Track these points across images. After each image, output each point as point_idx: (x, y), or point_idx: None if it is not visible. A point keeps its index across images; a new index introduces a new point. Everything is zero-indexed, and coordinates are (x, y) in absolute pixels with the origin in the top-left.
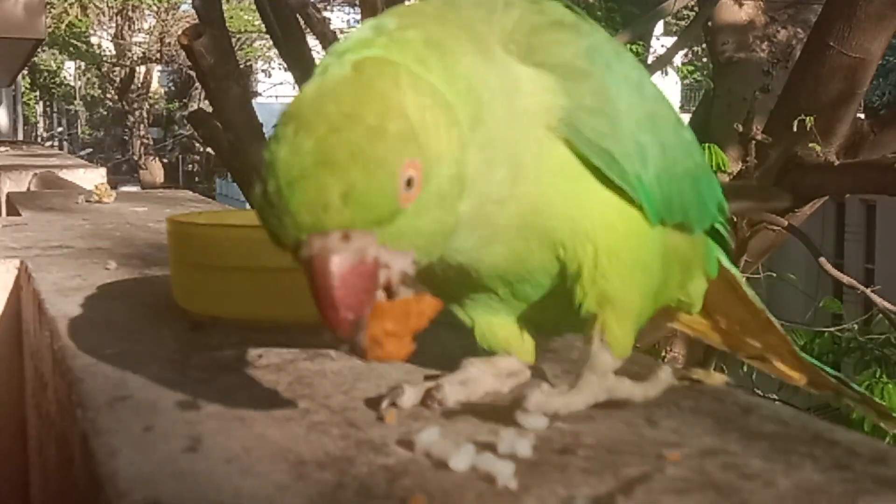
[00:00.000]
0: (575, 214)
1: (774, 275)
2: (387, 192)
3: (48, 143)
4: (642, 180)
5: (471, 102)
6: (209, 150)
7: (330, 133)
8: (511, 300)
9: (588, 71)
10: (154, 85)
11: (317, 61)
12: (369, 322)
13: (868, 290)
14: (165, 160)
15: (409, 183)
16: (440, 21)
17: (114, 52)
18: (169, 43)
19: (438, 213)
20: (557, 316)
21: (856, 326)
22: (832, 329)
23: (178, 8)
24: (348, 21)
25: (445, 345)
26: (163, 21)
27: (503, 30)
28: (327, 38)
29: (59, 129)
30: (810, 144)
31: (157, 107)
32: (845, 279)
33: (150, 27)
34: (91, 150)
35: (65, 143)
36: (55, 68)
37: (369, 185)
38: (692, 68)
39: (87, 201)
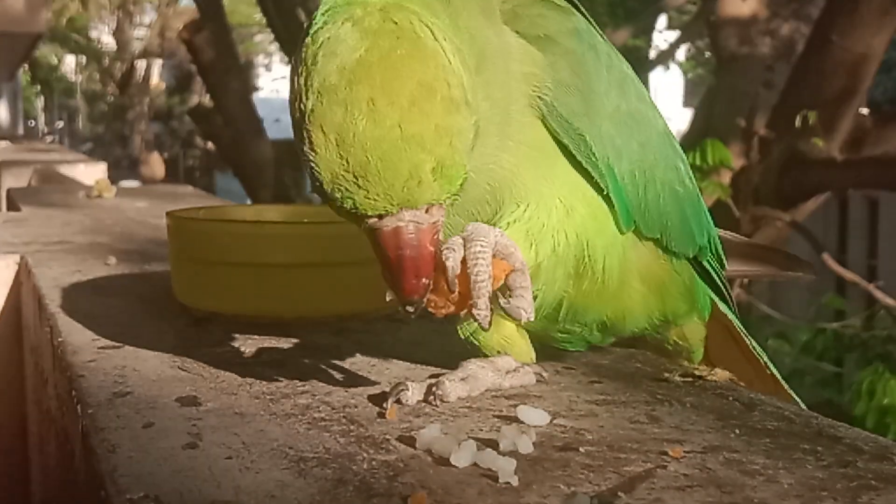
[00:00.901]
0: (544, 192)
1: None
2: (464, 164)
3: (49, 140)
4: (613, 171)
5: (473, 51)
6: (210, 145)
7: (411, 105)
8: None
9: (570, 48)
10: (154, 80)
11: None
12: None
13: (871, 286)
14: (166, 155)
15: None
16: None
17: (114, 47)
18: (170, 38)
19: (468, 160)
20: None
21: (859, 323)
22: (835, 325)
23: (179, 2)
24: None
25: (446, 342)
26: (163, 15)
27: None
28: None
29: (60, 123)
30: (813, 140)
31: (157, 102)
32: (848, 275)
33: (150, 22)
34: (91, 145)
35: (65, 138)
36: (55, 63)
37: (454, 158)
38: (694, 63)
39: (87, 197)
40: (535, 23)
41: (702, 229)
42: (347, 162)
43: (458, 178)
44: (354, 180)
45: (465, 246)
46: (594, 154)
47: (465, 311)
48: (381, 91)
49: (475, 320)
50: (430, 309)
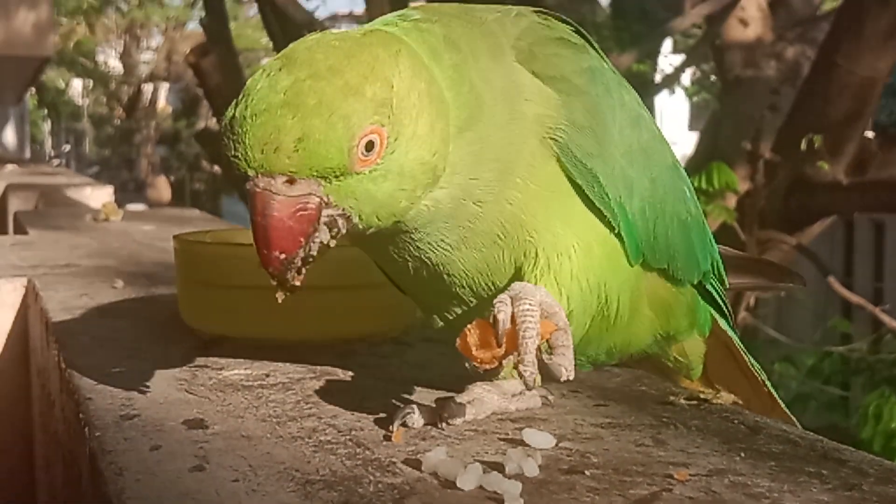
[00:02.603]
0: (559, 233)
1: (783, 293)
2: (340, 147)
3: (55, 163)
4: (625, 209)
5: (469, 104)
6: (216, 168)
7: (308, 78)
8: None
9: (584, 89)
10: (161, 103)
11: None
12: (478, 330)
13: (877, 310)
14: (172, 179)
15: (369, 147)
16: (460, 20)
17: (121, 71)
18: (176, 61)
19: (394, 188)
20: None
21: (865, 346)
22: (841, 349)
23: (186, 26)
24: None
25: (452, 365)
26: (170, 39)
27: (511, 35)
28: None
29: (67, 147)
30: (819, 163)
31: (164, 125)
32: (854, 298)
33: (157, 46)
34: (98, 168)
35: (72, 162)
36: (63, 87)
37: (324, 135)
38: (700, 87)
39: (94, 220)
40: (550, 63)
41: (706, 254)
42: (234, 115)
43: (326, 160)
44: (230, 133)
45: (512, 303)
46: (607, 194)
47: (509, 365)
48: (291, 63)
49: (520, 377)
50: (475, 364)
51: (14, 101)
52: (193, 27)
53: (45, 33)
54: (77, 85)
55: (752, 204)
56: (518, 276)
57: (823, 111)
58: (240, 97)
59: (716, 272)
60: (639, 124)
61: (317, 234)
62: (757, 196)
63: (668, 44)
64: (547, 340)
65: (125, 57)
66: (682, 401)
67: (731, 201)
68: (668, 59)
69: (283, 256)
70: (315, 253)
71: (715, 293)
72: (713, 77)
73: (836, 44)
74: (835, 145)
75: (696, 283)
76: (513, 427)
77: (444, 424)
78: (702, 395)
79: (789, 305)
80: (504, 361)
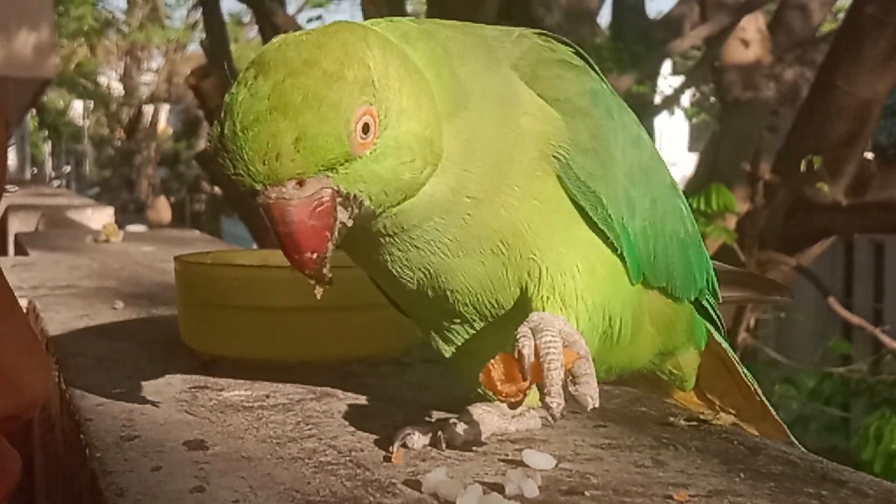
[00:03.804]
0: (562, 252)
1: (783, 315)
2: (339, 136)
3: (56, 184)
4: (627, 230)
5: (452, 88)
6: (216, 189)
7: (287, 77)
8: (488, 336)
9: (587, 111)
10: (161, 125)
11: None
12: (501, 365)
13: (877, 331)
14: (172, 200)
15: (365, 129)
16: (453, 29)
17: (122, 92)
18: (177, 83)
19: (395, 163)
20: None
21: (865, 367)
22: (841, 370)
23: (186, 48)
24: None
25: (452, 386)
26: (171, 61)
27: (513, 54)
28: None
29: (67, 168)
30: (818, 184)
31: (164, 146)
32: (854, 319)
33: (158, 67)
34: (98, 189)
35: (72, 183)
36: (63, 108)
37: (321, 128)
38: (699, 108)
39: (94, 241)
40: (553, 85)
41: (702, 271)
42: (223, 133)
43: (329, 151)
44: (225, 151)
45: (534, 335)
46: (610, 216)
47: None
48: (265, 68)
49: (547, 409)
50: (500, 399)
51: (15, 123)
52: (194, 49)
53: (47, 55)
54: (78, 106)
55: (752, 225)
56: (523, 295)
57: (822, 132)
58: (222, 115)
59: (710, 287)
60: (639, 145)
61: (338, 223)
62: (756, 217)
63: (667, 65)
64: (569, 370)
65: (126, 78)
66: (682, 422)
67: (731, 222)
68: (667, 80)
69: (315, 256)
70: (338, 240)
71: (710, 307)
72: (712, 98)
73: (835, 65)
74: (834, 166)
75: (693, 299)
76: (513, 448)
77: (443, 445)
78: (701, 416)
79: (789, 327)
80: (527, 392)
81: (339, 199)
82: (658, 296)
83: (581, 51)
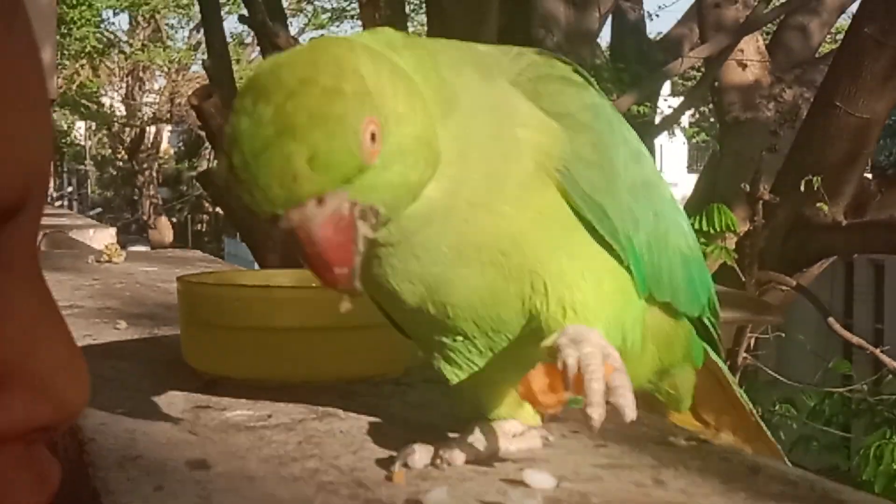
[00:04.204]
0: (565, 266)
1: (783, 335)
2: (351, 149)
3: (58, 204)
4: (632, 243)
5: (441, 90)
6: (218, 209)
7: (287, 99)
8: (489, 354)
9: (590, 125)
10: (164, 145)
11: None
12: (543, 377)
13: (877, 351)
14: (174, 220)
15: (372, 139)
16: (443, 43)
17: (124, 113)
18: (179, 103)
19: (402, 168)
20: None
21: (865, 387)
22: (842, 390)
23: (189, 68)
24: None
25: (453, 405)
26: (173, 82)
27: (511, 71)
28: None
29: (69, 188)
30: (818, 204)
31: (166, 167)
32: (855, 339)
33: (160, 88)
34: (100, 209)
35: (74, 203)
36: (66, 128)
37: (333, 145)
38: (699, 129)
39: (96, 261)
40: (555, 100)
41: (704, 287)
42: (233, 165)
43: (344, 165)
44: (239, 182)
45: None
46: (616, 228)
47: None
48: (263, 91)
49: (588, 420)
50: (537, 409)
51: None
52: (196, 70)
53: (49, 75)
54: (80, 127)
55: (752, 245)
56: (525, 310)
57: (822, 152)
58: (228, 146)
59: (711, 305)
60: (640, 159)
61: (360, 235)
62: (756, 237)
63: (667, 86)
64: (606, 382)
65: (128, 99)
66: (682, 441)
67: (731, 242)
68: (667, 101)
69: (346, 270)
70: (363, 251)
71: (710, 325)
72: (712, 119)
73: (835, 85)
74: (834, 186)
75: (697, 316)
76: (513, 467)
77: (444, 465)
78: (701, 436)
79: (789, 347)
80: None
81: (358, 211)
82: (659, 312)
83: (580, 68)
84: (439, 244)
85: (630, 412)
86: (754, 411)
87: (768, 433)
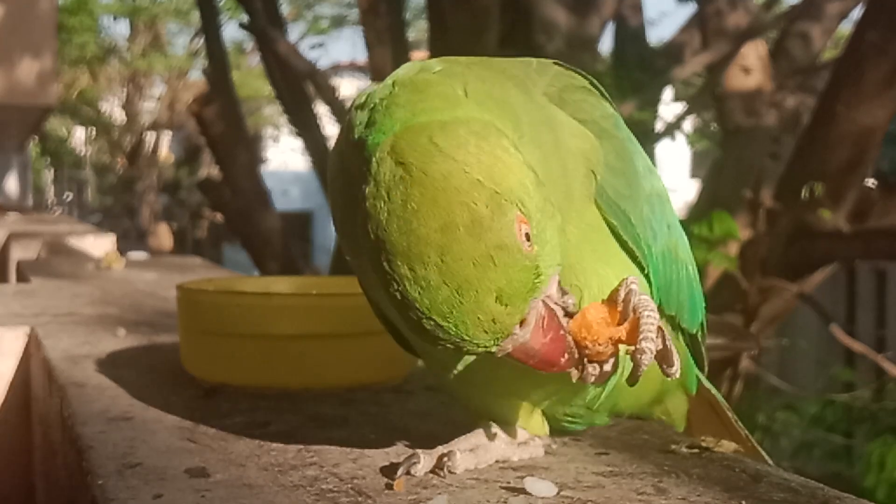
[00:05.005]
0: (602, 274)
1: (786, 341)
2: (524, 266)
3: (58, 211)
4: (651, 251)
5: (519, 129)
6: (218, 216)
7: (442, 255)
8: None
9: (612, 133)
10: (163, 152)
11: (323, 128)
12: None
13: (880, 358)
14: (174, 226)
15: (527, 238)
16: (480, 65)
17: (124, 119)
18: (179, 110)
19: (551, 233)
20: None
21: (868, 394)
22: (844, 396)
23: (188, 76)
24: (357, 88)
25: (454, 414)
26: (173, 88)
27: (540, 82)
28: (335, 105)
29: (69, 195)
30: (820, 211)
31: (166, 173)
32: (857, 346)
33: (160, 94)
34: (100, 216)
35: (74, 210)
36: (65, 135)
37: (507, 275)
38: (701, 135)
39: (96, 268)
40: (580, 108)
41: (702, 304)
42: (423, 328)
43: (525, 283)
44: (439, 330)
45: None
46: (639, 235)
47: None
48: (409, 255)
49: (635, 361)
50: (586, 346)
51: (16, 150)
52: (196, 76)
53: (49, 82)
54: (80, 133)
55: (754, 252)
56: None
57: (824, 159)
58: (403, 310)
59: (702, 325)
60: (653, 171)
61: (561, 314)
62: (758, 244)
63: (668, 92)
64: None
65: (128, 106)
66: (684, 449)
67: (733, 249)
68: (669, 107)
69: (567, 359)
70: (566, 321)
71: (700, 342)
72: (713, 125)
73: (836, 92)
74: (836, 193)
75: (695, 332)
76: (514, 475)
77: (445, 473)
78: (703, 444)
79: (791, 354)
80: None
81: (551, 302)
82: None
83: (595, 81)
84: None
85: (676, 364)
86: (751, 437)
87: (767, 458)
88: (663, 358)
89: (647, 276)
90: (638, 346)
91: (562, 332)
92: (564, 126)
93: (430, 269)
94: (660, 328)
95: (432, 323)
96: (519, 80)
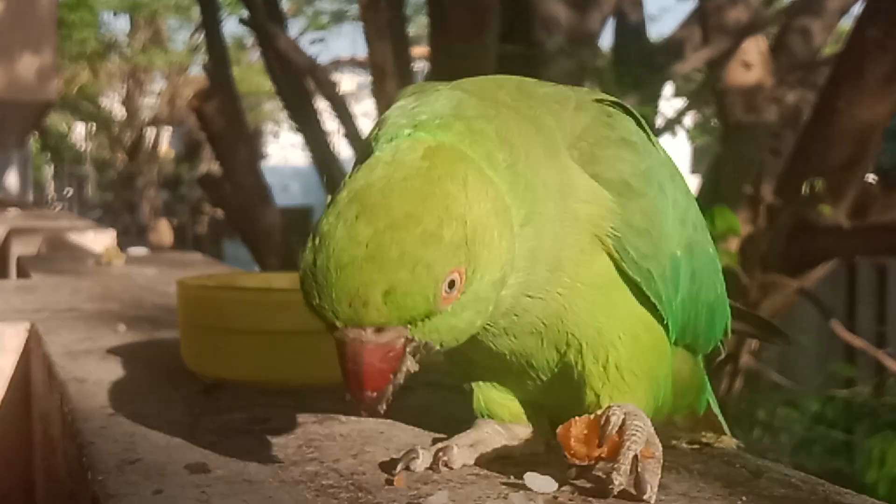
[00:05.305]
0: (602, 325)
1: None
2: (427, 295)
3: (58, 207)
4: (672, 304)
5: (526, 201)
6: (218, 212)
7: (387, 229)
8: (509, 382)
9: (642, 192)
10: (163, 147)
11: (323, 124)
12: (583, 426)
13: (880, 353)
14: (174, 222)
15: (451, 286)
16: (514, 112)
17: (124, 115)
18: (179, 106)
19: (472, 314)
20: (557, 402)
21: (868, 390)
22: (844, 392)
23: (188, 71)
24: (357, 83)
25: (454, 409)
26: (173, 84)
27: (571, 132)
28: (336, 101)
29: (69, 191)
30: (820, 206)
31: (166, 169)
32: (857, 342)
33: (160, 90)
34: (100, 212)
35: (74, 206)
36: (66, 131)
37: (411, 287)
38: (701, 130)
39: (96, 264)
40: (611, 165)
41: (722, 324)
42: (315, 262)
43: (415, 308)
44: (313, 281)
45: (625, 417)
46: (660, 291)
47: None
48: (368, 211)
49: (608, 484)
50: (568, 454)
51: (17, 146)
52: (196, 72)
53: (49, 78)
54: (80, 129)
55: (754, 247)
56: (561, 359)
57: (824, 155)
58: (315, 241)
59: (725, 331)
60: (686, 219)
61: (404, 367)
62: (759, 240)
63: (669, 88)
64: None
65: (128, 101)
66: (684, 445)
67: (733, 245)
68: (669, 102)
69: (375, 394)
70: (402, 381)
71: (720, 345)
72: (714, 121)
73: (837, 88)
74: (836, 189)
75: (709, 352)
76: (515, 471)
77: (445, 468)
78: (703, 440)
79: (792, 350)
80: (594, 463)
81: (411, 348)
82: (680, 355)
83: (639, 117)
84: (489, 327)
85: (651, 491)
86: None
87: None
88: (636, 485)
89: (664, 326)
90: (612, 474)
91: (392, 379)
92: (578, 191)
93: (368, 227)
94: (636, 457)
95: (325, 265)
96: (549, 132)
